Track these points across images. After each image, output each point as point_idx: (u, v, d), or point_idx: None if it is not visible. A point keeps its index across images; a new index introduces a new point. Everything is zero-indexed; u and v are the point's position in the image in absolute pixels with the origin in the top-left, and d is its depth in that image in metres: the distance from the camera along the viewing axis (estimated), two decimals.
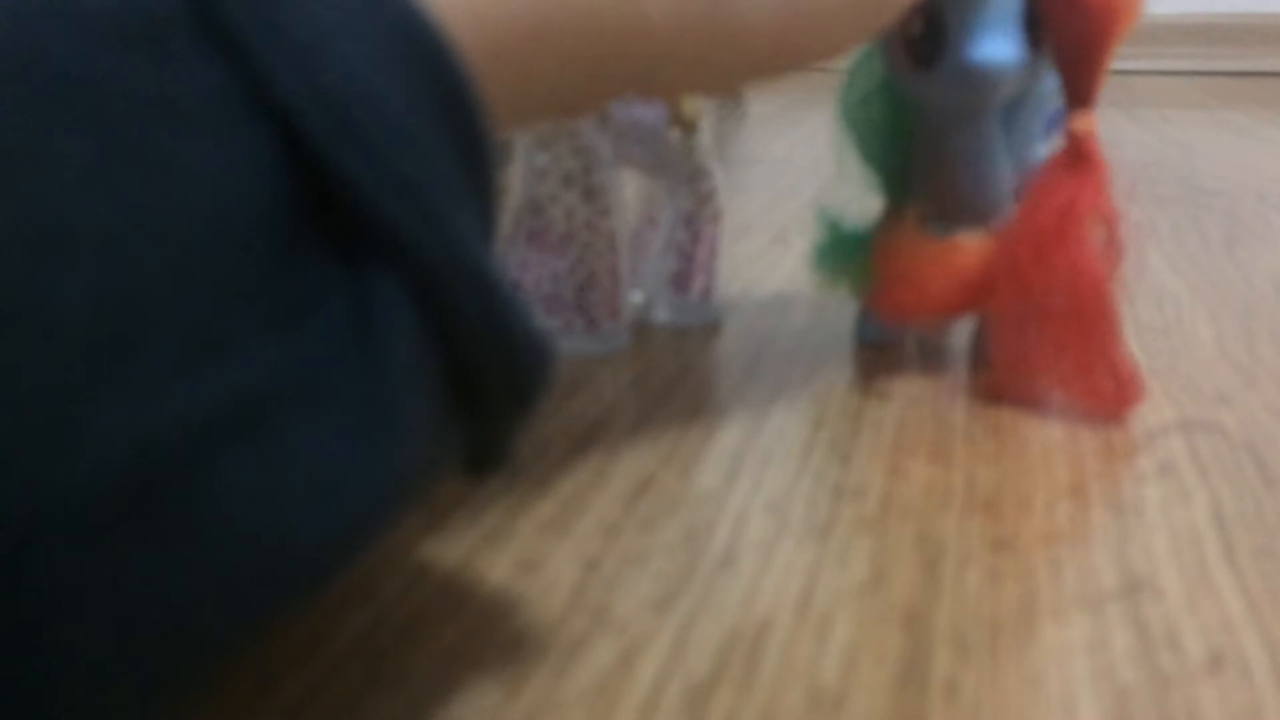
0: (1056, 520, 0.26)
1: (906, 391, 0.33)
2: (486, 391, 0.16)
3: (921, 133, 0.34)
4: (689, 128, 0.37)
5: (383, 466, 0.14)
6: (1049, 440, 0.30)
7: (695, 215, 0.39)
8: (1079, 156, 0.30)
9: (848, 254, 0.36)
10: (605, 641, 0.21)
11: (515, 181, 0.36)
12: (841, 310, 0.41)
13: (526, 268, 0.36)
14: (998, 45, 0.30)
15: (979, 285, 0.32)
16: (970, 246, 0.32)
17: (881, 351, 0.36)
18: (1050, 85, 0.33)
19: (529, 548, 0.24)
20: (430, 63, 0.15)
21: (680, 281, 0.39)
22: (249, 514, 0.13)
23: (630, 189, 0.40)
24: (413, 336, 0.15)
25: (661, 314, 0.39)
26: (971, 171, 0.33)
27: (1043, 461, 0.29)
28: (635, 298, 0.40)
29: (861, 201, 0.36)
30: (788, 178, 0.69)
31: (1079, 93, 0.30)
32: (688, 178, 0.38)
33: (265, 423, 0.13)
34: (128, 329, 0.12)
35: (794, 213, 0.58)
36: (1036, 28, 0.30)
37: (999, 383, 0.32)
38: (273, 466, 0.13)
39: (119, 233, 0.12)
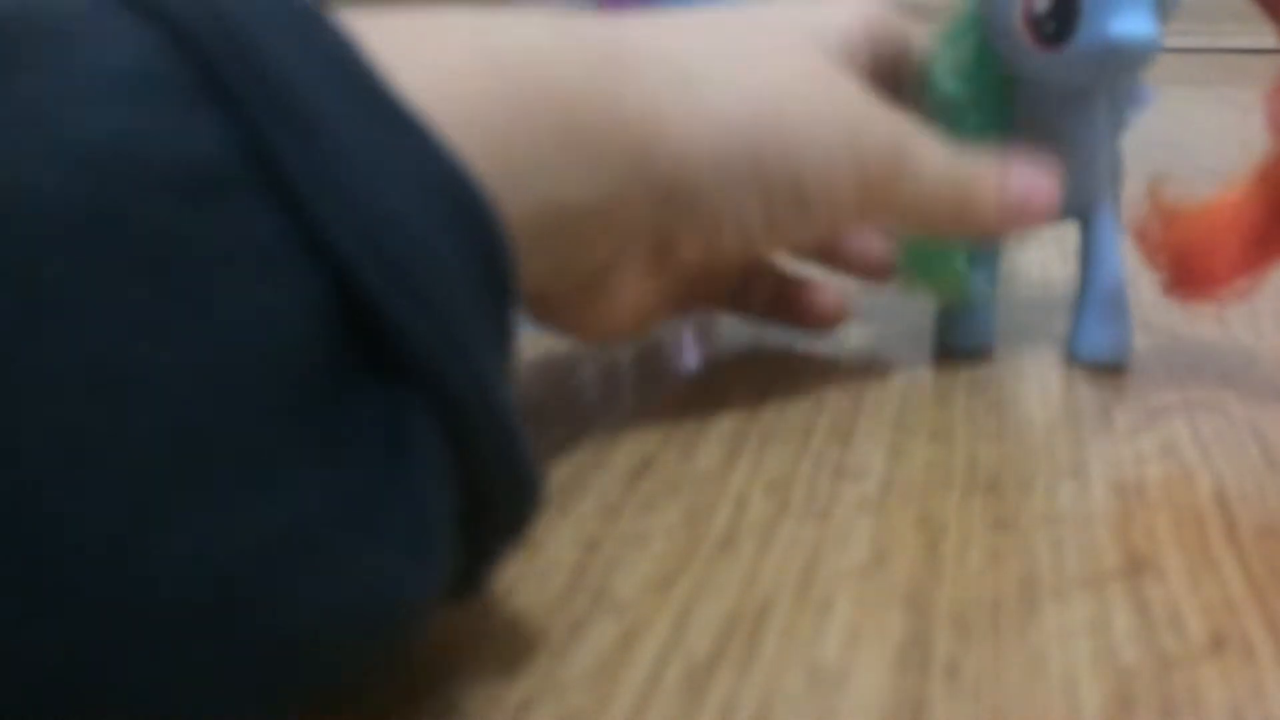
0: (1058, 500, 0.26)
1: (907, 371, 0.33)
2: (488, 521, 0.17)
3: (1025, 119, 0.32)
4: None
5: (415, 577, 0.16)
6: (1050, 420, 0.30)
7: None
8: None
9: (939, 253, 0.33)
10: (605, 622, 0.21)
11: None
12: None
13: None
14: (1137, 20, 0.28)
15: (1265, 237, 0.29)
16: (1236, 197, 0.30)
17: (885, 333, 0.36)
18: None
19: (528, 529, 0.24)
20: (471, 215, 0.16)
21: None
22: (304, 619, 0.14)
23: None
24: (442, 468, 0.16)
25: None
26: (1079, 158, 0.31)
27: (1044, 441, 0.28)
28: None
29: None
30: None
31: None
32: None
33: (317, 539, 0.14)
34: (192, 462, 0.13)
35: None
36: (1164, 1, 0.29)
37: None
38: (326, 577, 0.15)
39: (180, 373, 0.13)
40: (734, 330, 0.37)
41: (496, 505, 0.17)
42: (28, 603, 0.12)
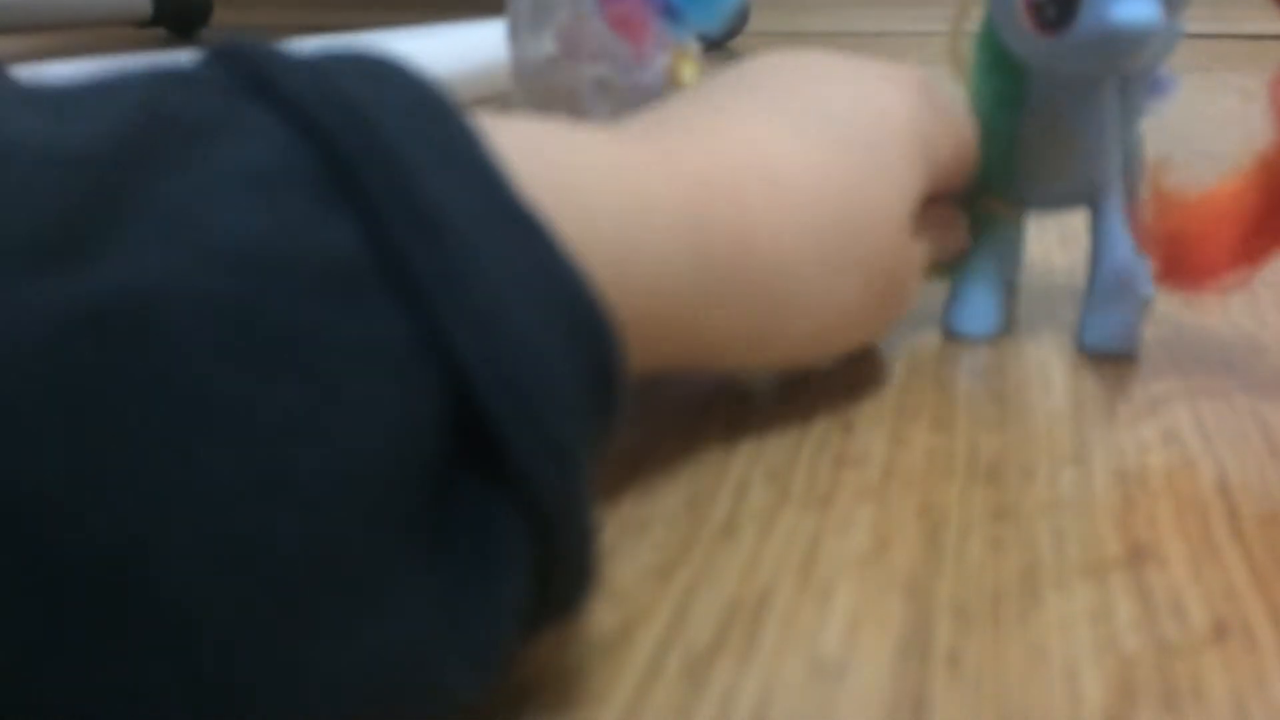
0: (1060, 489, 0.25)
1: (909, 359, 0.33)
2: (545, 605, 0.17)
3: (1033, 105, 0.32)
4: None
5: (486, 681, 0.16)
6: (1052, 408, 0.30)
7: None
8: None
9: None
10: (605, 611, 0.21)
11: None
12: None
13: None
14: (1139, 5, 0.28)
15: (1264, 226, 0.29)
16: (1235, 186, 0.29)
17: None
18: (1162, 52, 0.31)
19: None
20: (589, 332, 0.17)
21: None
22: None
23: None
24: (526, 574, 0.16)
25: None
26: (1086, 147, 0.31)
27: (1046, 429, 0.28)
28: None
29: None
30: None
31: None
32: None
33: (413, 654, 0.15)
34: (331, 566, 0.13)
35: None
36: None
37: None
38: (424, 694, 0.15)
39: (325, 475, 0.13)
40: None
41: (559, 590, 0.17)
42: (176, 705, 0.12)
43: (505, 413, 0.15)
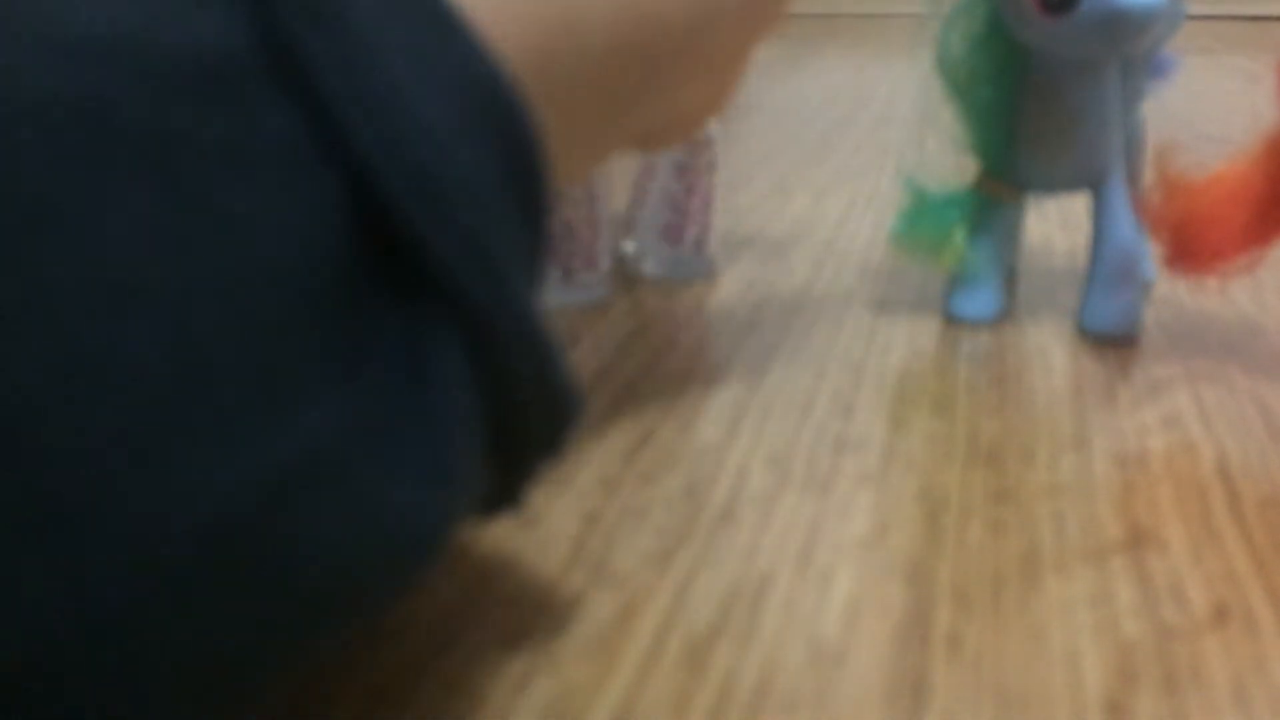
0: (1060, 473, 0.25)
1: (909, 343, 0.33)
2: (523, 438, 0.16)
3: (1034, 88, 0.32)
4: None
5: (437, 510, 0.15)
6: (1052, 391, 0.30)
7: (689, 165, 0.38)
8: None
9: (936, 222, 0.33)
10: (605, 596, 0.21)
11: None
12: (843, 263, 0.40)
13: None
14: None
15: (1269, 209, 0.29)
16: (1241, 168, 0.29)
17: (886, 306, 0.36)
18: (1164, 35, 0.31)
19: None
20: (503, 122, 0.15)
21: (672, 233, 0.38)
22: (319, 558, 0.13)
23: None
24: (465, 387, 0.15)
25: (651, 266, 0.39)
26: (1088, 130, 0.31)
27: (1046, 413, 0.28)
28: (628, 248, 0.39)
29: (940, 164, 0.35)
30: (787, 126, 0.68)
31: None
32: None
33: (333, 470, 0.13)
34: (200, 381, 0.12)
35: (794, 162, 0.57)
36: None
37: None
38: (341, 512, 0.13)
39: (186, 285, 0.12)
40: (735, 301, 0.37)
41: (532, 421, 0.16)
42: (19, 535, 0.11)
43: (415, 210, 0.14)
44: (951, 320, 0.34)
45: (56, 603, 0.11)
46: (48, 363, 0.11)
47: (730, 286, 0.38)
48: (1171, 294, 0.36)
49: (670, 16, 0.22)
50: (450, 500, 0.15)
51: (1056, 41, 0.30)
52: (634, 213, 0.39)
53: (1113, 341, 0.33)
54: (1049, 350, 0.32)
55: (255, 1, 0.13)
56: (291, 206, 0.13)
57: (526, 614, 0.20)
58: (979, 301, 0.34)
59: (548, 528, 0.23)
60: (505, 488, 0.17)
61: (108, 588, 0.12)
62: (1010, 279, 0.37)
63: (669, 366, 0.31)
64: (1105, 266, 0.32)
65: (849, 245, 0.42)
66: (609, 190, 0.36)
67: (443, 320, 0.14)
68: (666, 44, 0.22)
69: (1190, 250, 0.30)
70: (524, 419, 0.16)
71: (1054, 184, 0.33)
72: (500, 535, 0.23)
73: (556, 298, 0.35)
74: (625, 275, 0.39)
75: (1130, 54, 0.31)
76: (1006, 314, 0.35)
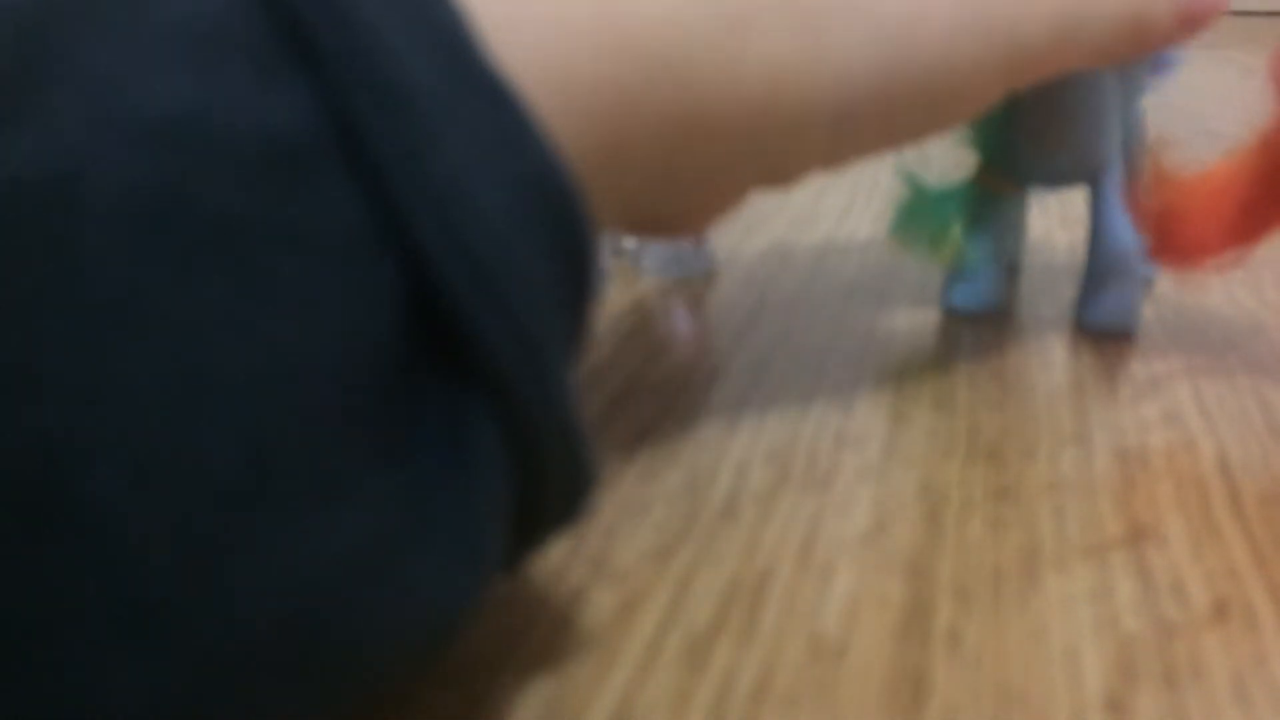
0: (1060, 468, 0.25)
1: (910, 339, 0.33)
2: (541, 513, 0.17)
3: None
4: None
5: (471, 589, 0.15)
6: (1053, 387, 0.30)
7: None
8: None
9: (934, 216, 0.34)
10: (604, 592, 0.21)
11: None
12: (843, 258, 0.40)
13: None
14: None
15: (1257, 205, 0.29)
16: (1224, 170, 0.29)
17: (886, 302, 0.36)
18: None
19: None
20: (560, 214, 0.15)
21: None
22: (364, 644, 0.14)
23: None
24: (501, 471, 0.15)
25: (650, 264, 0.39)
26: (1084, 123, 0.31)
27: (1047, 408, 0.28)
28: (627, 244, 0.39)
29: (942, 158, 0.35)
30: None
31: None
32: None
33: (379, 560, 0.14)
34: (268, 473, 0.12)
35: None
36: None
37: None
38: (385, 601, 0.14)
39: (257, 375, 0.12)
40: (735, 296, 0.37)
41: (552, 498, 0.17)
42: (104, 627, 0.11)
43: (468, 298, 0.14)
44: (948, 312, 0.34)
45: (131, 685, 0.12)
46: (118, 458, 0.11)
47: (730, 283, 0.38)
48: (1171, 290, 0.36)
49: (735, 126, 0.21)
50: (481, 580, 0.15)
51: None
52: None
53: (1111, 336, 0.33)
54: (1049, 346, 0.32)
55: (324, 83, 0.13)
56: (352, 292, 0.13)
57: (525, 610, 0.20)
58: (974, 291, 0.34)
59: None
60: (513, 553, 0.17)
61: (182, 670, 0.12)
62: (1014, 274, 0.37)
63: (669, 362, 0.31)
64: (1103, 262, 0.32)
65: (849, 241, 0.42)
66: None
67: (484, 406, 0.15)
68: (725, 157, 0.22)
69: (1176, 243, 0.30)
70: (546, 496, 0.16)
71: (1052, 178, 0.33)
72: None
73: None
74: (624, 271, 0.39)
75: None
76: (1007, 309, 0.35)
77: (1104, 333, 0.33)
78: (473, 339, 0.14)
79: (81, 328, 0.11)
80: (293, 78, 0.13)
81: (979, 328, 0.34)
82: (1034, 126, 0.32)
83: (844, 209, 0.47)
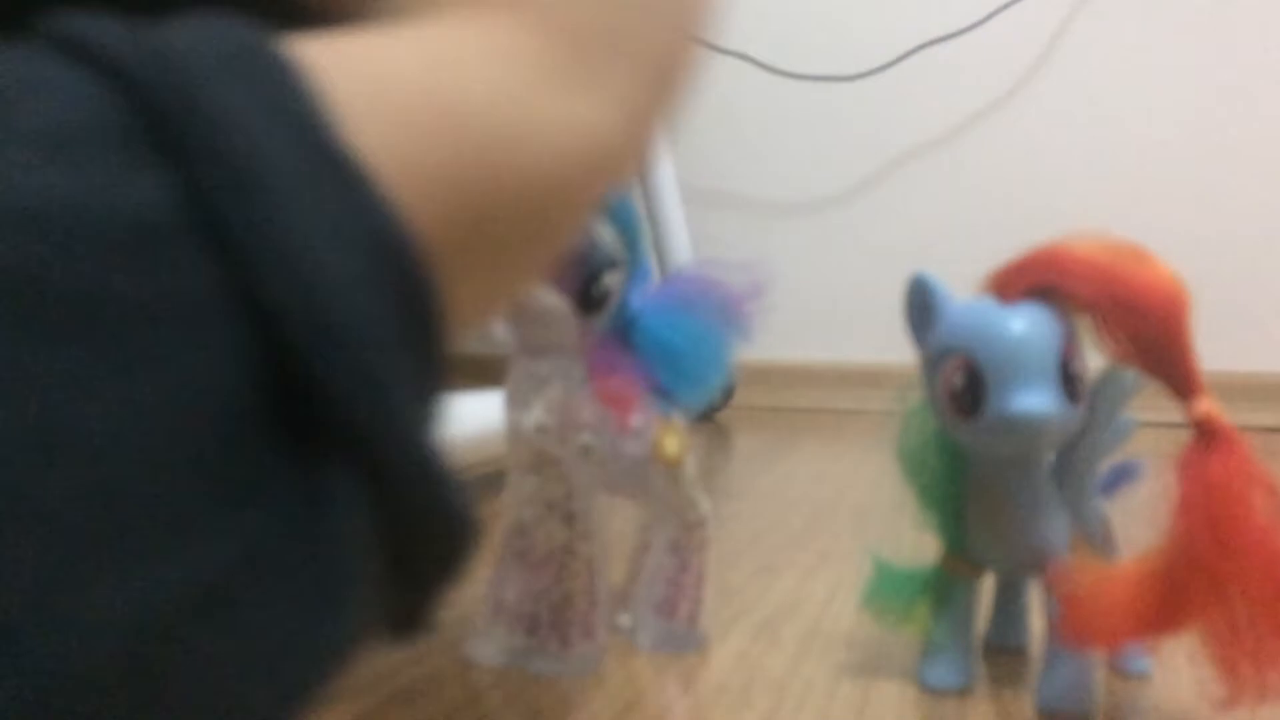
0: None
1: (897, 717, 0.33)
2: (420, 563, 0.17)
3: (974, 479, 0.35)
4: (672, 464, 0.39)
5: (331, 638, 0.16)
6: None
7: (682, 544, 0.40)
8: (1211, 439, 0.30)
9: (899, 594, 0.37)
10: None
11: (506, 505, 0.38)
12: (830, 640, 0.41)
13: (511, 584, 0.37)
14: (1034, 397, 0.31)
15: (1158, 606, 0.31)
16: (1133, 569, 0.32)
17: (874, 682, 0.37)
18: (1106, 442, 0.35)
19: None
20: (403, 274, 0.17)
21: (666, 608, 0.40)
22: (218, 683, 0.14)
23: (630, 512, 0.41)
24: (363, 521, 0.16)
25: (645, 640, 0.40)
26: (1023, 516, 0.34)
27: None
28: (623, 620, 0.41)
29: (909, 541, 0.37)
30: (773, 510, 0.70)
31: (1180, 386, 0.31)
32: (675, 508, 0.40)
33: (232, 599, 0.14)
34: (110, 518, 0.13)
35: (781, 544, 0.59)
36: (1074, 382, 0.32)
37: (1236, 690, 0.30)
38: (239, 640, 0.14)
39: (105, 430, 0.13)
40: (723, 676, 0.37)
41: (428, 546, 0.17)
42: None
43: (314, 347, 0.15)
44: (924, 689, 0.36)
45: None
46: None
47: (720, 662, 0.39)
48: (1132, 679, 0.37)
49: (572, 182, 0.22)
50: (342, 625, 0.16)
51: (972, 439, 0.34)
52: (630, 587, 0.40)
53: (1066, 718, 0.33)
54: None
55: (182, 166, 0.15)
56: (203, 353, 0.14)
57: None
58: (945, 671, 0.36)
59: None
60: (411, 610, 0.18)
61: (19, 706, 0.12)
62: (1019, 653, 0.39)
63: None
64: (1055, 646, 0.34)
65: (835, 624, 0.43)
66: (606, 564, 0.38)
67: (339, 454, 0.16)
68: (568, 213, 0.23)
69: (1084, 628, 0.33)
70: (420, 545, 0.17)
71: (1003, 563, 0.36)
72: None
73: (553, 668, 0.36)
74: (619, 647, 0.39)
75: (1038, 453, 0.34)
76: (976, 685, 0.36)
77: (1059, 714, 0.34)
78: (320, 385, 0.15)
79: None
80: (155, 164, 0.15)
81: (945, 703, 0.34)
82: (980, 518, 0.36)
83: (830, 593, 0.48)
